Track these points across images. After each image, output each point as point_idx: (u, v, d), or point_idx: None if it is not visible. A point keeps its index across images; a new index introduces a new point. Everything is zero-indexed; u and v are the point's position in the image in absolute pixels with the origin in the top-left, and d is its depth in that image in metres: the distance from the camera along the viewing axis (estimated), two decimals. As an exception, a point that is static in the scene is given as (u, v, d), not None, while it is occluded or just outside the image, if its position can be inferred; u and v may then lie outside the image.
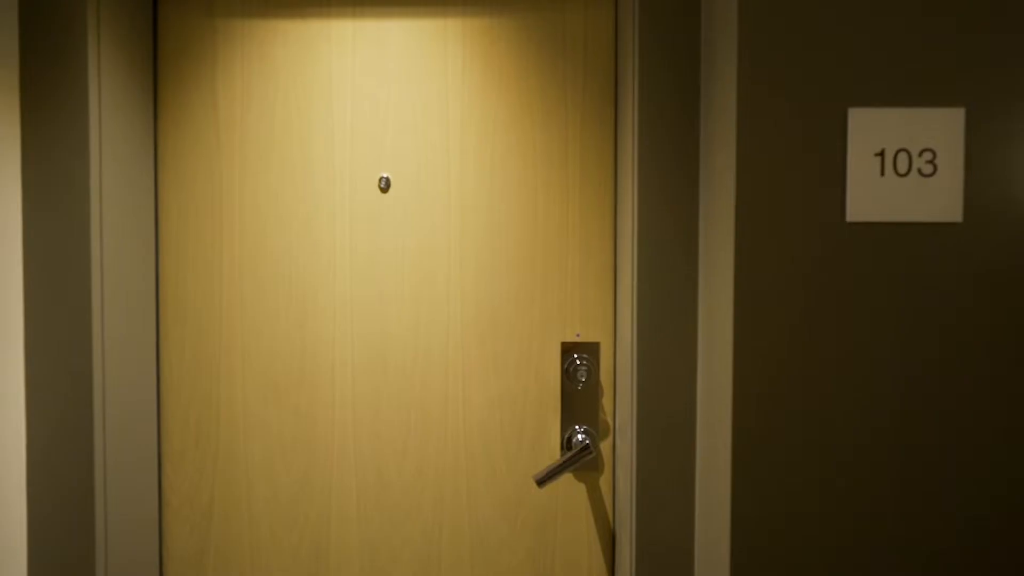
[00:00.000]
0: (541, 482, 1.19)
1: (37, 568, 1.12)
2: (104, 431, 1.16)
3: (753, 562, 0.89)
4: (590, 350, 1.31)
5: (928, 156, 0.85)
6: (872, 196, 0.86)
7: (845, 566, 0.89)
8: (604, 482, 1.31)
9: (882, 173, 0.86)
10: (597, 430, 1.30)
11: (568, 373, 1.31)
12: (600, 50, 1.31)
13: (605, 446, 1.31)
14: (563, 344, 1.31)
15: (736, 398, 0.89)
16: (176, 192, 1.34)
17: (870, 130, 0.87)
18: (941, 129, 0.85)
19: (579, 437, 1.29)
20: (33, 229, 1.12)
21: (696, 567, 1.08)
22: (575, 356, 1.30)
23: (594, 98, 1.31)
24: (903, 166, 0.86)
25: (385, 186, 1.31)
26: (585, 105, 1.31)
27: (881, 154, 0.86)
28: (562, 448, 1.31)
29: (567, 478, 1.31)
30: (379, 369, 1.33)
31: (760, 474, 0.89)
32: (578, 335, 1.31)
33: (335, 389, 1.33)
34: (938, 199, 0.85)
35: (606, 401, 1.32)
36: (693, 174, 1.09)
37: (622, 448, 1.19)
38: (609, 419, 1.32)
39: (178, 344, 1.34)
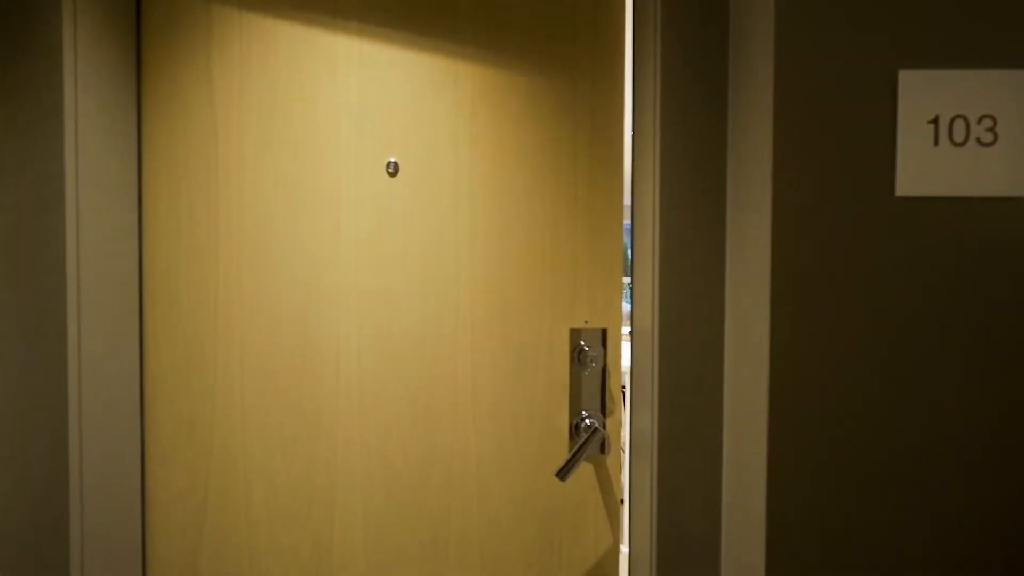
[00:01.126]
0: (563, 476, 1.13)
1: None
2: (80, 426, 1.06)
3: (789, 563, 0.80)
4: (598, 336, 1.24)
5: (988, 123, 0.74)
6: (925, 168, 0.76)
7: (889, 562, 0.80)
8: (611, 463, 1.27)
9: (936, 142, 0.75)
10: (605, 413, 1.25)
11: (577, 358, 1.24)
12: (613, 12, 1.19)
13: (611, 428, 1.26)
14: (571, 330, 1.25)
15: (772, 392, 0.79)
16: (167, 175, 1.22)
17: (923, 94, 0.76)
18: (1003, 93, 0.74)
19: (587, 421, 1.23)
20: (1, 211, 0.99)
21: (723, 549, 0.98)
22: (583, 342, 1.24)
23: (602, 93, 1.23)
24: (960, 134, 0.75)
25: (393, 170, 1.22)
26: (595, 95, 1.23)
27: (935, 121, 0.75)
28: (570, 431, 1.25)
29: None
30: (386, 357, 1.23)
31: (799, 471, 0.79)
32: (586, 321, 1.24)
33: (339, 379, 1.23)
34: (999, 171, 0.74)
35: (613, 384, 1.26)
36: (720, 148, 0.97)
37: (641, 440, 1.08)
38: (617, 402, 1.27)
39: (168, 336, 1.23)
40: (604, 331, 1.24)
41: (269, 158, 1.21)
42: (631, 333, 1.11)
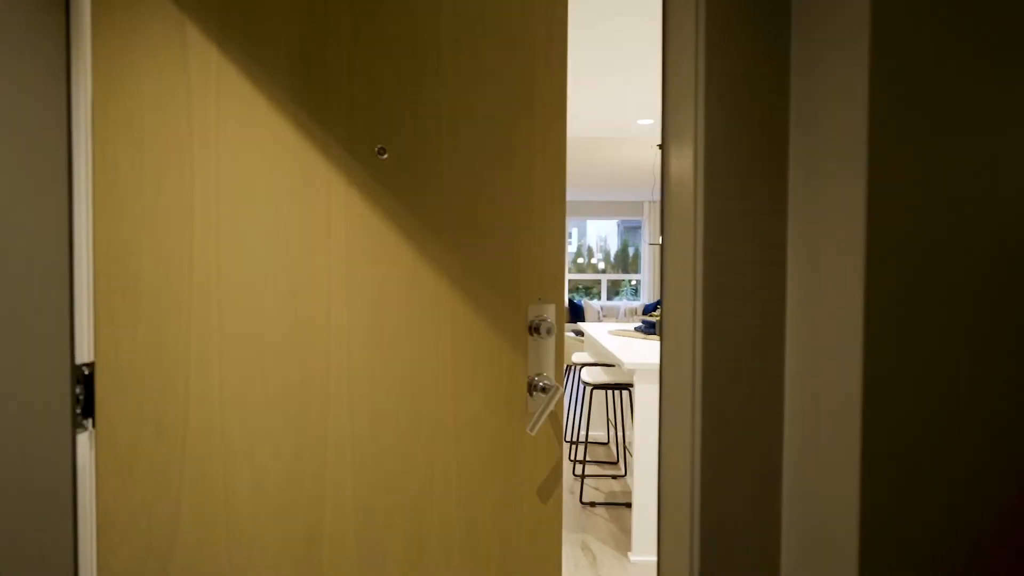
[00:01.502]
0: (532, 429, 1.32)
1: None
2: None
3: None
4: (549, 311, 1.42)
5: None
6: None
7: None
8: (559, 414, 1.44)
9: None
10: (556, 374, 1.42)
11: (535, 330, 1.42)
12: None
13: (558, 380, 1.42)
14: (529, 307, 1.41)
15: (866, 399, 0.65)
16: (126, 135, 1.07)
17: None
18: None
19: (543, 383, 1.41)
20: None
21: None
22: (536, 317, 1.42)
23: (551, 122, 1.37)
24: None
25: (381, 152, 1.20)
26: (546, 130, 1.36)
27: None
28: (528, 389, 1.41)
29: (528, 416, 1.40)
30: (375, 337, 1.27)
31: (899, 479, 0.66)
32: (540, 299, 1.41)
33: (330, 362, 1.22)
34: None
35: (558, 348, 1.43)
36: (783, 93, 0.82)
37: (675, 445, 0.96)
38: (561, 360, 1.43)
39: (129, 324, 1.07)
40: (553, 307, 1.42)
41: (253, 124, 1.10)
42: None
